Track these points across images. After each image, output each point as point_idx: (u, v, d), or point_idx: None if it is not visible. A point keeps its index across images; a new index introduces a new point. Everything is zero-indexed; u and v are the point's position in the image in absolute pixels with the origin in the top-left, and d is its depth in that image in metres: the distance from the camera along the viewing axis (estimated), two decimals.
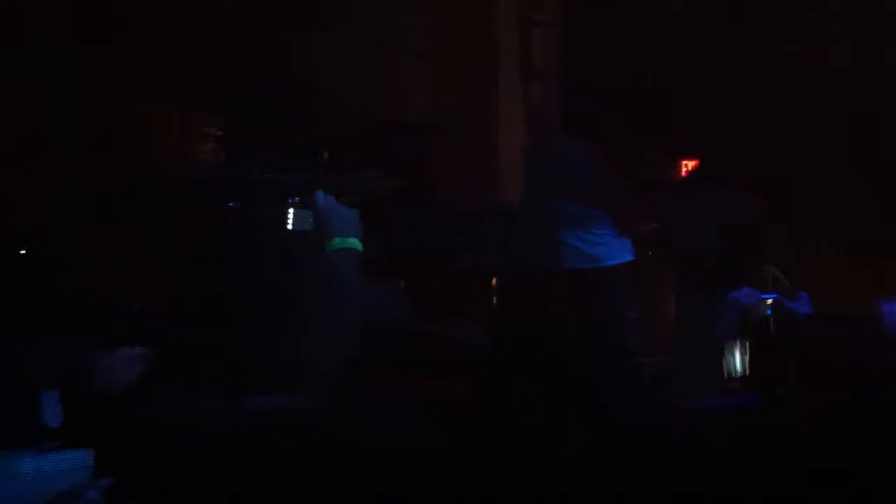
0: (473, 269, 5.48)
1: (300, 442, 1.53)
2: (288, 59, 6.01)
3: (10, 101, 4.51)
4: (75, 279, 4.03)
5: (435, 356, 1.92)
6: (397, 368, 1.82)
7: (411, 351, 1.85)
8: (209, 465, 1.59)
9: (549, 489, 1.48)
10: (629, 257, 4.64)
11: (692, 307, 4.20)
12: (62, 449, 3.38)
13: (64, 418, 3.55)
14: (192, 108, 5.26)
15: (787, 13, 6.00)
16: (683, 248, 5.19)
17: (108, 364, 1.86)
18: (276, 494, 1.48)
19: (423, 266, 5.24)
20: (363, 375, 1.75)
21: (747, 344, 2.11)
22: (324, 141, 5.51)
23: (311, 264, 1.81)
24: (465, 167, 5.86)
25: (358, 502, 1.48)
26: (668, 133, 5.82)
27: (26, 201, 4.25)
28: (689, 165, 5.71)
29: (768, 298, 2.20)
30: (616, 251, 4.65)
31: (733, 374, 2.12)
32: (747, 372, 2.08)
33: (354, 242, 1.80)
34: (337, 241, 1.78)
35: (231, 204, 4.76)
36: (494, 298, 5.36)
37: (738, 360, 2.12)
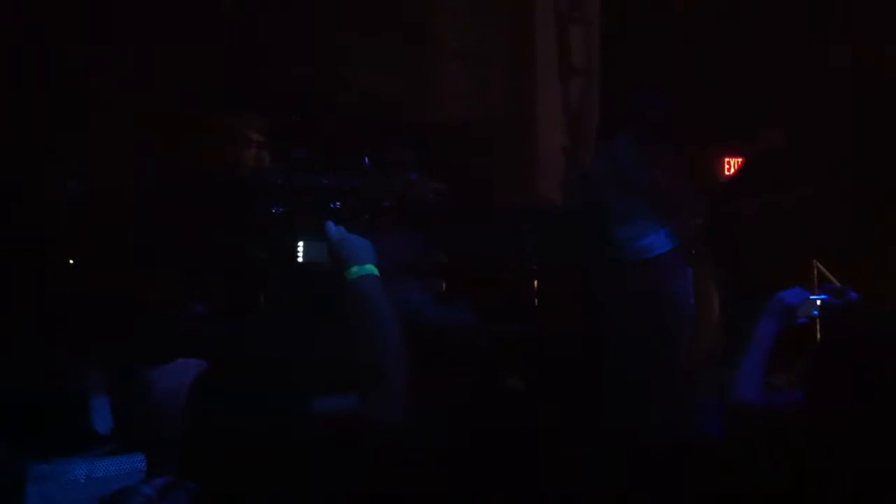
0: (517, 269, 5.48)
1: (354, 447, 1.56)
2: (331, 61, 6.05)
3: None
4: (129, 284, 4.09)
5: (479, 358, 1.95)
6: (441, 371, 1.84)
7: (455, 353, 1.88)
8: (269, 468, 1.62)
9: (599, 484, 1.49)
10: (673, 244, 4.67)
11: (738, 305, 4.18)
12: (113, 454, 3.45)
13: (115, 424, 3.62)
14: (235, 113, 5.33)
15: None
16: (728, 246, 5.16)
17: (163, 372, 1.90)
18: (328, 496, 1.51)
19: (465, 267, 5.25)
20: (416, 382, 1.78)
21: (793, 344, 2.09)
22: (366, 144, 5.53)
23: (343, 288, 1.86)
24: (507, 167, 5.85)
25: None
26: (713, 130, 5.78)
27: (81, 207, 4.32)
28: (733, 163, 5.67)
29: (817, 299, 2.17)
30: (662, 240, 4.68)
31: (775, 374, 2.10)
32: (791, 372, 2.06)
33: (371, 268, 1.88)
34: (355, 270, 1.87)
35: (274, 210, 4.80)
36: (537, 299, 5.36)
37: (782, 359, 2.10)
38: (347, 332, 1.88)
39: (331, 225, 1.92)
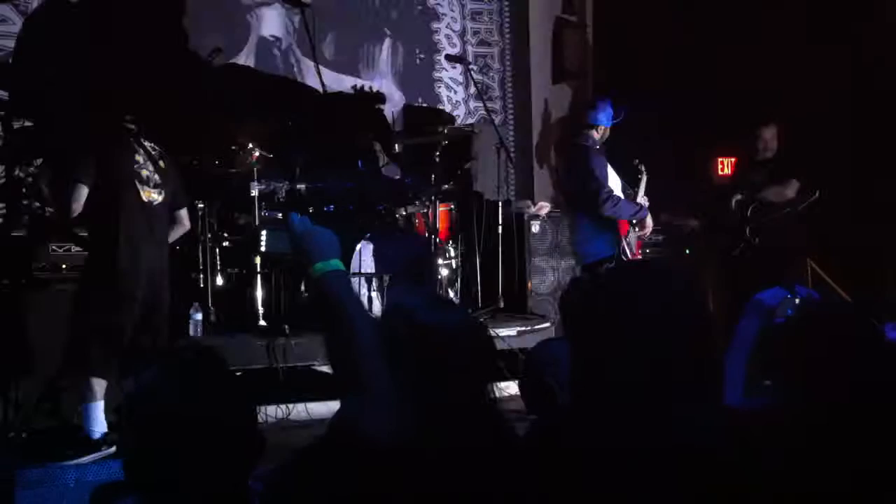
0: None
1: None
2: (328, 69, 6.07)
3: None
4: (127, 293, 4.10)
5: (490, 361, 1.90)
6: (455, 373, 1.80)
7: (470, 356, 1.83)
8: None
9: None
10: (609, 252, 4.75)
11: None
12: (104, 459, 3.46)
13: (107, 429, 3.63)
14: (230, 118, 5.34)
15: None
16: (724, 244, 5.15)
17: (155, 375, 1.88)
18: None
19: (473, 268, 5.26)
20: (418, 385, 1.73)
21: (772, 345, 2.08)
22: (362, 150, 5.54)
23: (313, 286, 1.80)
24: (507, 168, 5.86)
25: None
26: (704, 131, 5.77)
27: None
28: (725, 163, 5.65)
29: (796, 298, 2.15)
30: (596, 247, 4.76)
31: (755, 374, 2.09)
32: (769, 372, 2.05)
33: (337, 263, 1.77)
34: (319, 266, 1.75)
35: (267, 214, 4.81)
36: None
37: (760, 360, 2.09)
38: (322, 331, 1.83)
39: (294, 216, 1.82)
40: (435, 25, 6.79)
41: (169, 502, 1.60)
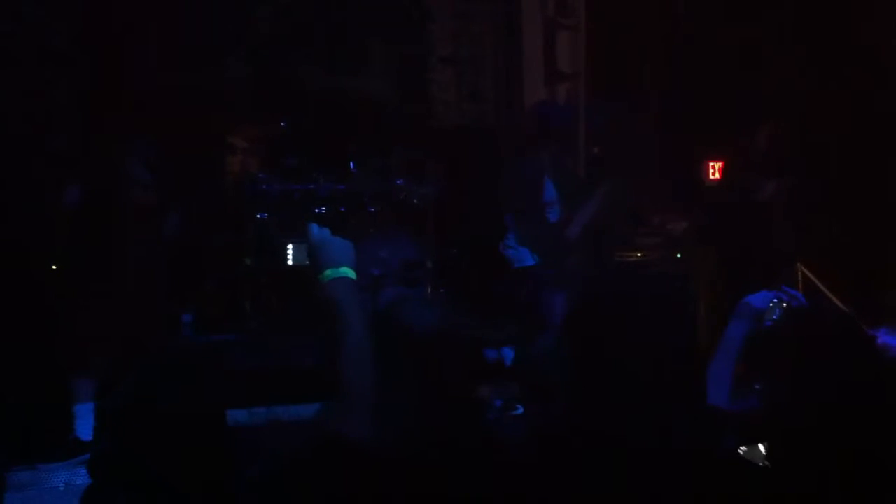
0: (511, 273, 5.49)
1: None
2: (324, 68, 6.06)
3: None
4: (117, 293, 4.08)
5: (479, 364, 1.92)
6: (444, 377, 1.83)
7: (457, 358, 1.86)
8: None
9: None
10: (534, 260, 4.76)
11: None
12: None
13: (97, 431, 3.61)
14: (223, 120, 5.33)
15: None
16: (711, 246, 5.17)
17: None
18: None
19: (460, 271, 5.26)
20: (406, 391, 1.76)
21: (759, 348, 2.09)
22: (354, 150, 5.54)
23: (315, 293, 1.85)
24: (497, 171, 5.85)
25: None
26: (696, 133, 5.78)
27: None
28: (716, 166, 5.66)
29: (783, 300, 2.16)
30: (525, 254, 4.78)
31: (743, 377, 2.10)
32: (757, 375, 2.06)
33: (346, 271, 1.82)
34: (329, 273, 1.81)
35: (259, 216, 4.81)
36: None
37: (747, 364, 2.10)
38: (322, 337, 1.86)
39: (314, 227, 1.87)
40: (428, 26, 6.79)
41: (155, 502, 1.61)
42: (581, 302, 1.76)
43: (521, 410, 4.43)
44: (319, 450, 1.55)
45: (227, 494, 1.60)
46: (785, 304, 2.15)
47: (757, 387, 2.21)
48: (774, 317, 2.13)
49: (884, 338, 2.11)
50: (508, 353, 4.60)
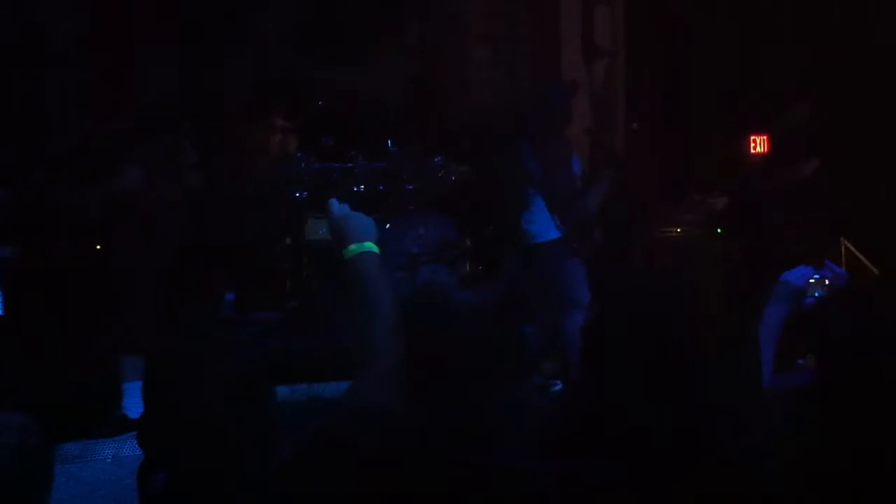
0: None
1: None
2: (358, 51, 6.07)
3: None
4: (162, 274, 4.13)
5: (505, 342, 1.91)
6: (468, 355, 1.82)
7: (483, 337, 1.85)
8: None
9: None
10: (559, 233, 4.71)
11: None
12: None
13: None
14: (261, 101, 5.36)
15: None
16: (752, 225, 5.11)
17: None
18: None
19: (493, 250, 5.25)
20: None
21: (801, 325, 2.06)
22: (392, 130, 5.55)
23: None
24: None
25: None
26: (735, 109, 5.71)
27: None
28: (758, 141, 5.59)
29: (826, 276, 2.12)
30: (549, 228, 4.73)
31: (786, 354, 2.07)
32: (800, 351, 2.03)
33: (371, 246, 1.81)
34: (353, 248, 1.80)
35: (298, 195, 4.84)
36: None
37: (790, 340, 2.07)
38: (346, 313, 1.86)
39: (334, 202, 1.87)
40: (464, 4, 6.75)
41: (196, 481, 1.63)
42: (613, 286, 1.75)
43: (559, 387, 4.42)
44: (352, 425, 1.56)
45: (261, 467, 1.63)
46: (827, 281, 2.11)
47: (800, 362, 2.19)
48: (816, 294, 2.09)
49: None
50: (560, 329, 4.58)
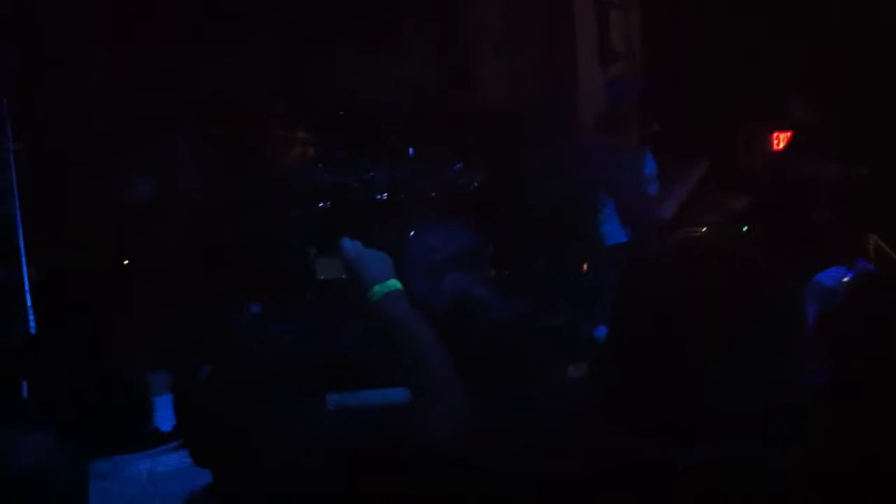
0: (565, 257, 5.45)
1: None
2: (374, 55, 6.07)
3: None
4: (191, 283, 4.14)
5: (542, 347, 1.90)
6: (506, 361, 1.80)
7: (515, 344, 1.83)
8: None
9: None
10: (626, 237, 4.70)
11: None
12: (176, 450, 3.52)
13: (176, 422, 3.69)
14: (279, 111, 5.37)
15: None
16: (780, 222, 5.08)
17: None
18: None
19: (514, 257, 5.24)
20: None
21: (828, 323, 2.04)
22: (410, 136, 5.55)
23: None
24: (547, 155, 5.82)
25: None
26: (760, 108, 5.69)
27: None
28: (781, 137, 5.57)
29: (859, 275, 2.10)
30: (617, 230, 4.70)
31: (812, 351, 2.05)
32: (825, 348, 2.01)
33: (395, 284, 1.77)
34: (378, 289, 1.76)
35: (320, 205, 4.85)
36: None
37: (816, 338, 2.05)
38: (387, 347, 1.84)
39: (346, 241, 1.82)
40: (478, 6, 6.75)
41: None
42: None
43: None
44: (401, 446, 1.55)
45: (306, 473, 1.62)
46: (859, 281, 2.09)
47: (824, 359, 2.17)
48: (848, 293, 2.07)
49: None
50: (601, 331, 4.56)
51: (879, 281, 2.11)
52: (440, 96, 6.32)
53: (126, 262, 4.11)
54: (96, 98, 4.79)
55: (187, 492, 1.81)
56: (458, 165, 5.26)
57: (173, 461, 3.13)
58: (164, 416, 3.69)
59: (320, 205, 4.85)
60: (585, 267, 4.96)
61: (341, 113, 5.44)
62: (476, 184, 5.12)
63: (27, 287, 3.63)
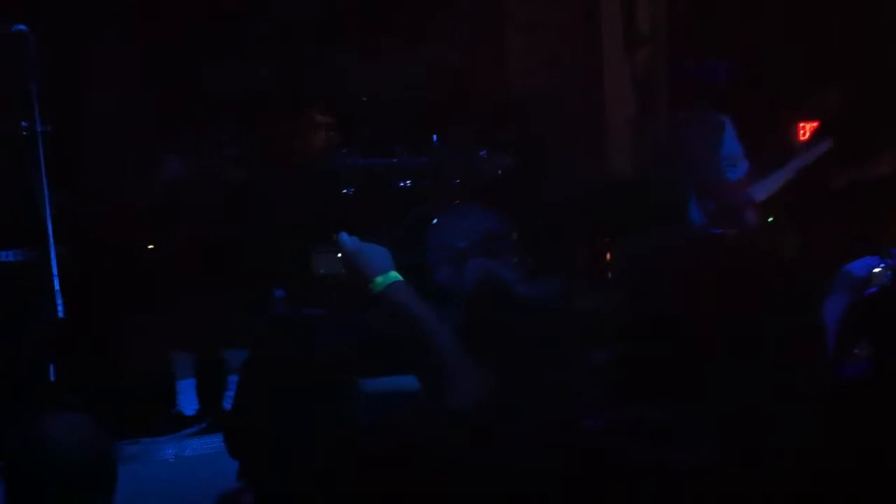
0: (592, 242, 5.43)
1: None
2: (397, 42, 6.06)
3: None
4: (212, 272, 4.16)
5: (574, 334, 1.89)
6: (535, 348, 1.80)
7: (550, 329, 1.83)
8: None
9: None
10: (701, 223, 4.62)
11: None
12: (200, 435, 3.56)
13: (200, 406, 3.72)
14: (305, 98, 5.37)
15: None
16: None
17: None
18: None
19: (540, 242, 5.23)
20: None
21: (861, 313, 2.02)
22: (436, 122, 5.54)
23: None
24: (574, 140, 5.79)
25: None
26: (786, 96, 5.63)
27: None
28: (808, 127, 5.50)
29: (889, 266, 2.08)
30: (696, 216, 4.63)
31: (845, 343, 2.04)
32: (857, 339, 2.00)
33: (395, 275, 1.77)
34: (380, 280, 1.76)
35: (346, 190, 4.85)
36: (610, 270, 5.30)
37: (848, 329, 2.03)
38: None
39: (344, 236, 1.82)
40: None
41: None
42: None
43: None
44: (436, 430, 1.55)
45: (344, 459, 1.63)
46: (891, 271, 2.07)
47: (856, 351, 2.15)
48: (885, 280, 2.05)
49: None
50: None
51: None
52: (465, 84, 6.31)
53: (152, 247, 4.13)
54: (128, 84, 4.83)
55: (214, 477, 1.83)
56: (483, 153, 5.25)
57: (202, 445, 3.16)
58: (187, 400, 3.73)
59: (344, 191, 4.85)
60: (611, 254, 4.93)
61: (365, 98, 5.44)
62: (500, 170, 5.11)
63: (55, 271, 3.67)
